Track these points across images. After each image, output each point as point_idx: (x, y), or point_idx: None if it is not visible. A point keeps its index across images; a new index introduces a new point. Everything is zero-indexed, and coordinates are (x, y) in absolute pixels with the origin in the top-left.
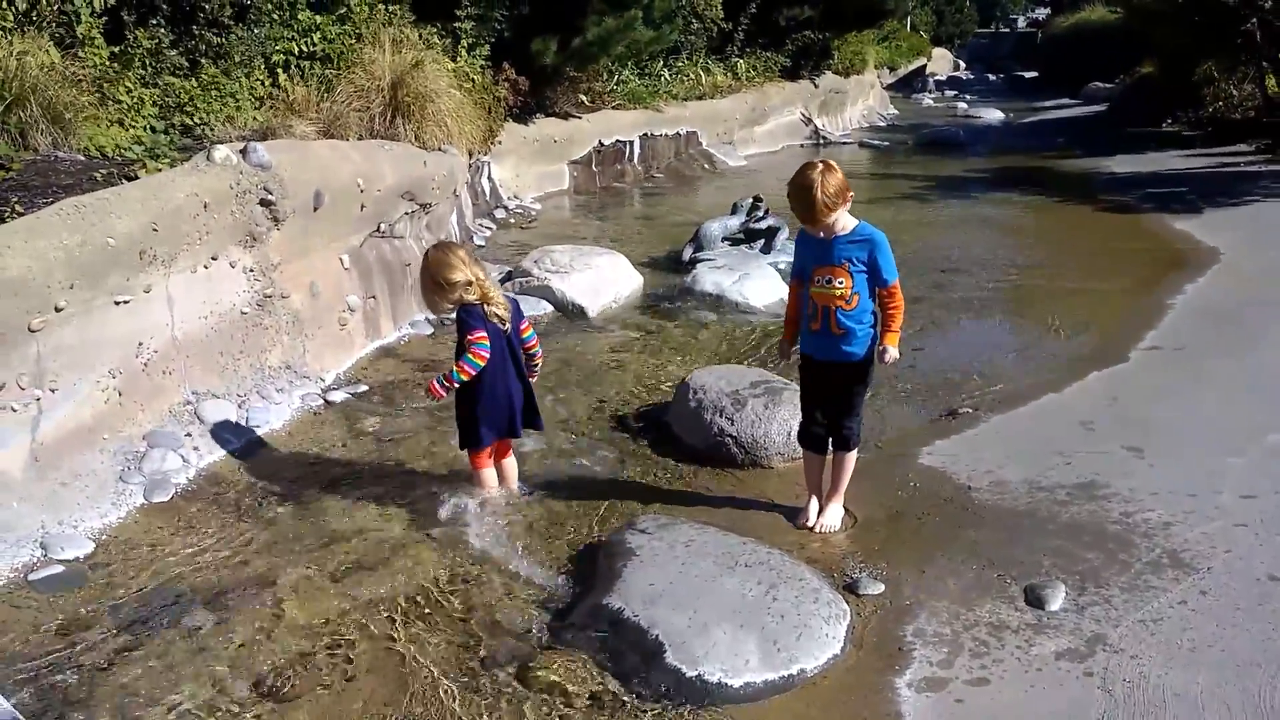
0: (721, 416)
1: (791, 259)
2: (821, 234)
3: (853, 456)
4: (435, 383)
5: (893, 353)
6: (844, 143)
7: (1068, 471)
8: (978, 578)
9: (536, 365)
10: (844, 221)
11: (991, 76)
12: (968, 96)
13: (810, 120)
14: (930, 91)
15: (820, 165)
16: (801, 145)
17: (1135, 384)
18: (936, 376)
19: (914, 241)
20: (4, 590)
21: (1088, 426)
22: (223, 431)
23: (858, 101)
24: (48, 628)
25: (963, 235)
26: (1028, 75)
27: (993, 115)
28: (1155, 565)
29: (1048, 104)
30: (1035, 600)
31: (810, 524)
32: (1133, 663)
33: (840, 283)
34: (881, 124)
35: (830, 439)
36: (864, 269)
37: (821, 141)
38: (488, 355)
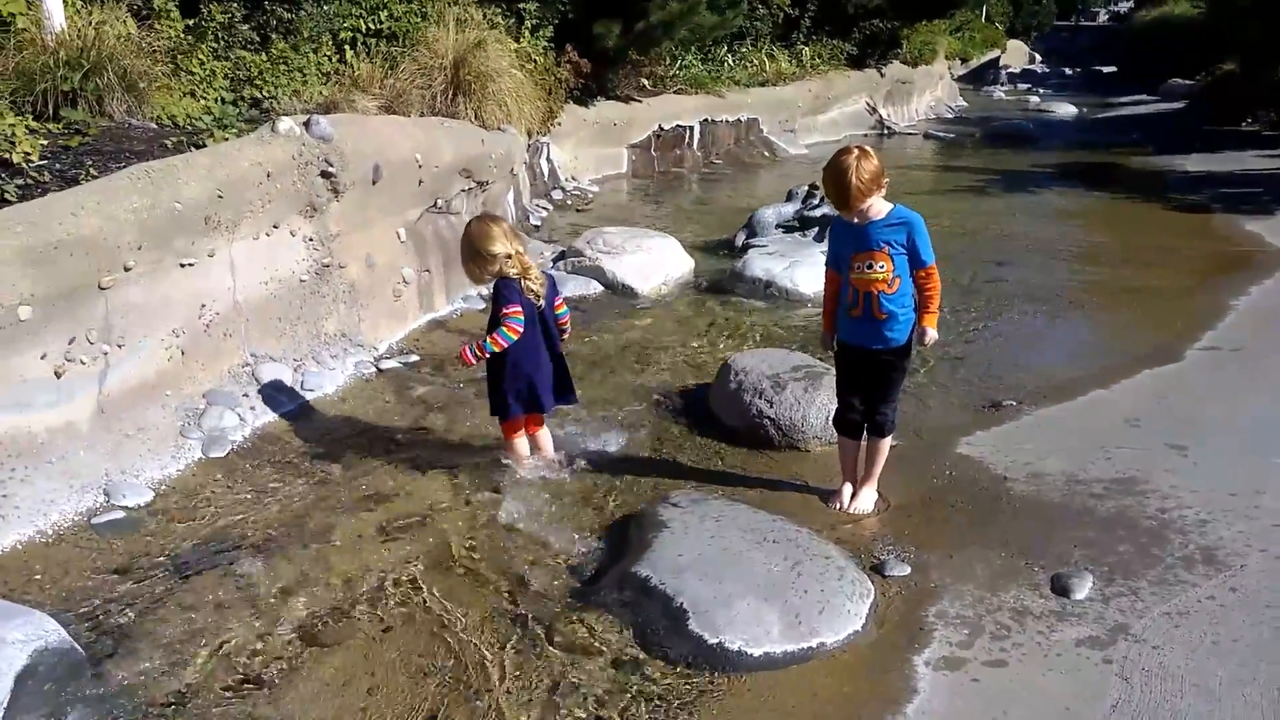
0: (761, 399)
1: None
2: (856, 220)
3: (887, 442)
4: (467, 349)
5: (931, 334)
6: (909, 133)
7: (1107, 466)
8: (1006, 565)
9: (565, 333)
10: (878, 206)
11: (1068, 70)
12: (1041, 90)
13: (875, 110)
14: (1002, 84)
15: (856, 150)
16: (865, 135)
17: (1187, 383)
18: (983, 368)
19: (972, 233)
20: (68, 531)
21: (1133, 423)
22: (278, 393)
23: (925, 92)
24: (106, 568)
25: (1023, 229)
26: (1105, 70)
27: (1066, 110)
28: (1187, 560)
29: (1124, 100)
30: (1061, 589)
31: (843, 508)
32: (1154, 653)
33: (881, 266)
34: (949, 116)
35: (865, 425)
36: (903, 251)
37: (886, 132)
38: (521, 330)
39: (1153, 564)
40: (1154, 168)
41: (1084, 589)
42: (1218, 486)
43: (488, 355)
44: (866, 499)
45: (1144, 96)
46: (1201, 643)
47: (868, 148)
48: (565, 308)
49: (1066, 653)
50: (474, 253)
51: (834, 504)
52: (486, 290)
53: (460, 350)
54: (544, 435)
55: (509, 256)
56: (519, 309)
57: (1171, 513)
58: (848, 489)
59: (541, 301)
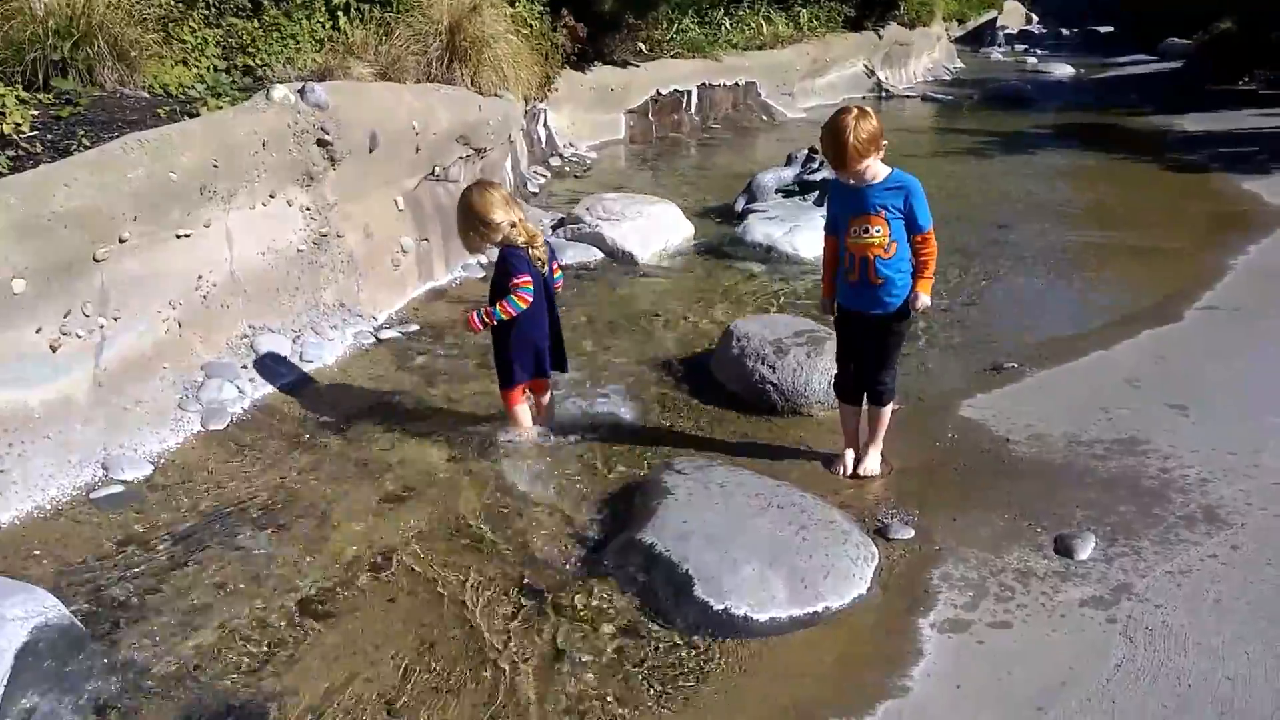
0: (763, 364)
1: None
2: (853, 181)
3: (888, 410)
4: (475, 315)
5: (924, 299)
6: (907, 96)
7: (1108, 427)
8: (1009, 527)
9: (557, 294)
10: (876, 169)
11: (1065, 31)
12: (1039, 51)
13: (873, 72)
14: (1000, 45)
15: (855, 110)
16: (863, 98)
17: (1187, 343)
18: (985, 330)
19: (972, 195)
20: (67, 506)
21: (1133, 384)
22: (277, 365)
23: (923, 54)
24: (106, 542)
25: (1023, 190)
26: (1103, 30)
27: (1063, 70)
28: (1189, 519)
29: (1122, 60)
30: (1064, 550)
31: (846, 473)
32: (1157, 612)
33: (878, 230)
34: (947, 78)
35: (865, 393)
36: (900, 216)
37: (884, 94)
38: (531, 299)
39: (1154, 523)
40: (1152, 128)
41: (1087, 549)
42: (1218, 446)
43: (495, 323)
44: (874, 461)
45: (1141, 56)
46: (1204, 601)
47: (867, 108)
48: (560, 273)
49: (1070, 613)
50: (475, 222)
51: (837, 469)
52: (485, 259)
53: (468, 317)
54: (546, 400)
55: (513, 225)
56: (529, 279)
57: (1173, 472)
58: (850, 455)
59: (545, 268)
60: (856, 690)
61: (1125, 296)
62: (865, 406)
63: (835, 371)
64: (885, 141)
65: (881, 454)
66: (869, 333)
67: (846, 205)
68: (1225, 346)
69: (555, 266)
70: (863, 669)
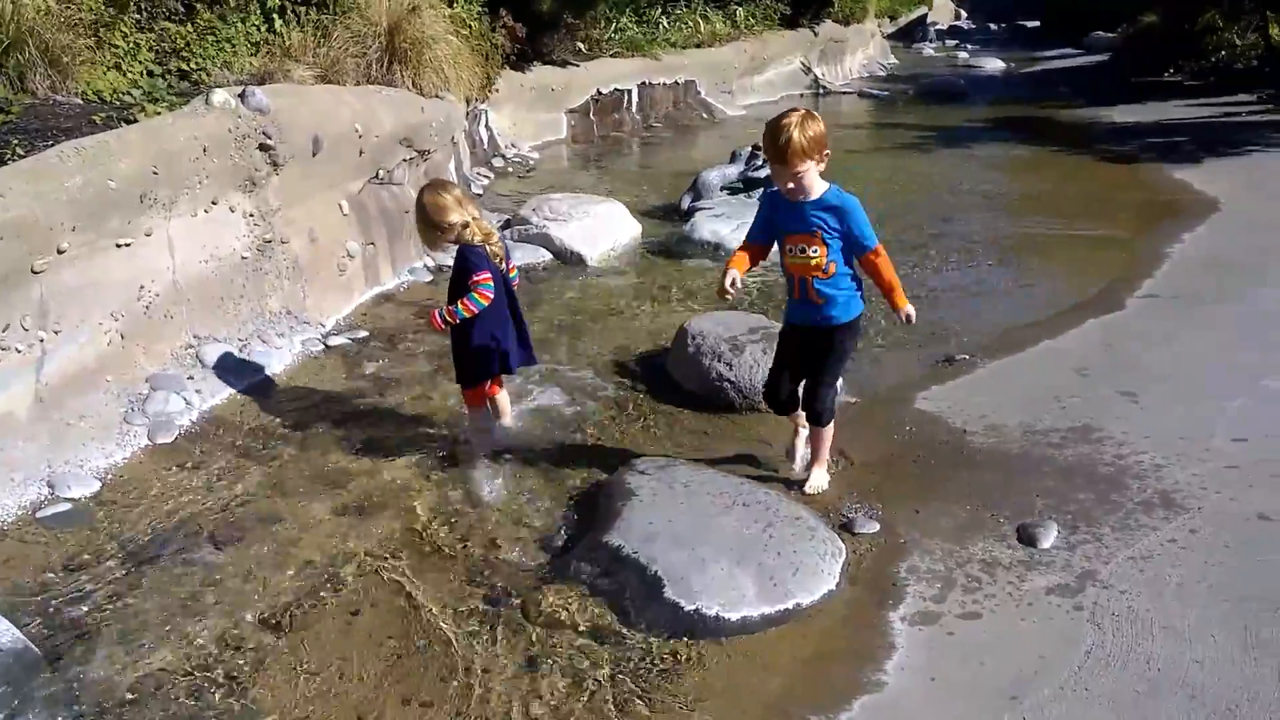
0: (720, 362)
1: None
2: (791, 186)
3: (829, 430)
4: (436, 314)
5: (910, 311)
6: (844, 92)
7: (1062, 416)
8: (971, 518)
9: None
10: (814, 181)
11: (993, 26)
12: (969, 46)
13: (810, 69)
14: (931, 41)
15: (803, 111)
16: (801, 95)
17: (1131, 331)
18: (933, 323)
19: (913, 190)
20: (13, 526)
21: (1083, 372)
22: (225, 375)
23: (858, 51)
24: (56, 563)
25: (962, 183)
26: (1030, 25)
27: (994, 65)
28: (1146, 505)
29: (1050, 54)
30: (1027, 539)
31: (797, 466)
32: (1122, 597)
33: (815, 251)
34: (881, 74)
35: (804, 413)
36: (837, 236)
37: (821, 91)
38: (491, 295)
39: (1113, 510)
40: (1082, 120)
41: (1049, 538)
42: (1169, 431)
43: (457, 321)
44: (820, 477)
45: (1068, 50)
46: (1166, 585)
47: (814, 113)
48: (516, 271)
49: (1038, 601)
50: (428, 224)
51: (788, 457)
52: (433, 261)
53: (430, 316)
54: (504, 399)
55: (466, 225)
56: (489, 275)
57: (1128, 459)
58: (801, 437)
59: (503, 264)
60: (832, 686)
61: (1068, 286)
62: (804, 426)
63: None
64: (828, 152)
65: (841, 450)
66: (813, 344)
67: (784, 220)
68: (1169, 333)
69: (510, 265)
70: (837, 665)
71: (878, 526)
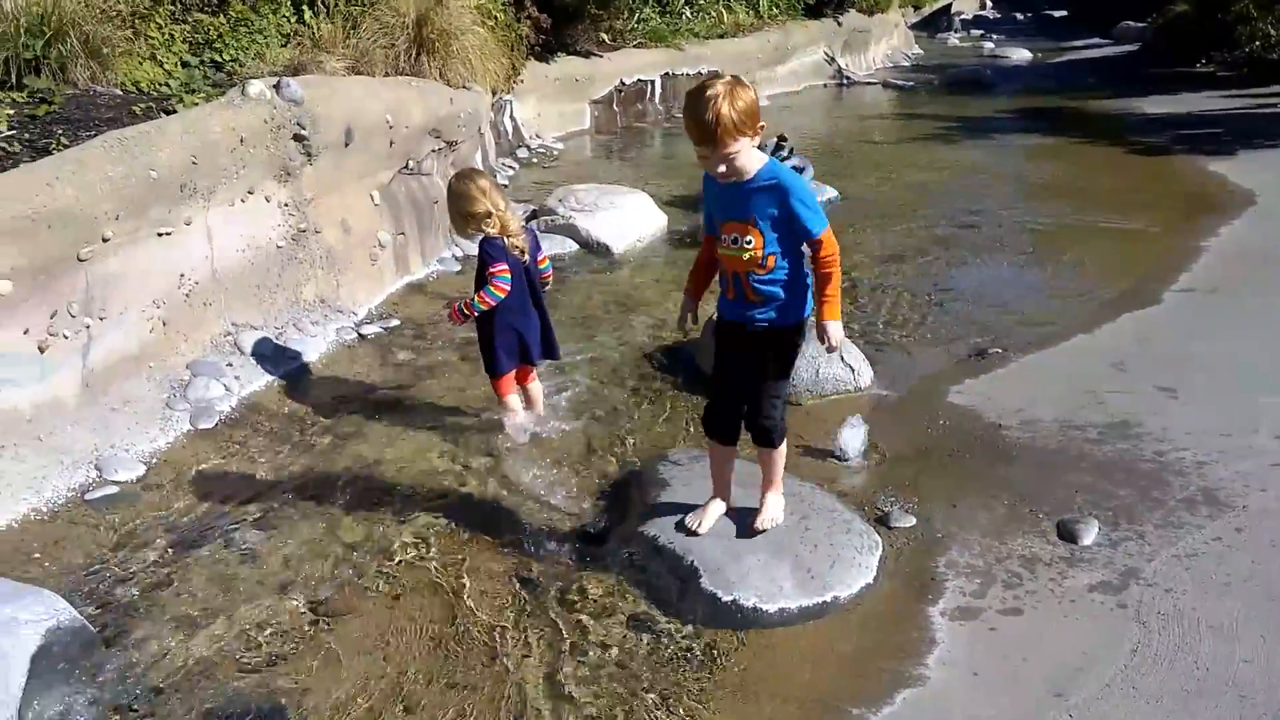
0: None
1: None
2: (722, 170)
3: (781, 452)
4: (456, 308)
5: (834, 332)
6: (868, 83)
7: (1099, 411)
8: (1009, 513)
9: (546, 286)
10: (749, 159)
11: (1019, 15)
12: (995, 36)
13: (833, 60)
14: (956, 31)
15: (730, 78)
16: (824, 85)
17: (1168, 325)
18: (965, 317)
19: (941, 182)
20: (63, 508)
21: (1119, 367)
22: (262, 362)
23: (882, 41)
24: (106, 544)
25: (990, 176)
26: (1057, 14)
27: (1020, 55)
28: (1189, 503)
29: (1077, 44)
30: (1068, 535)
31: (700, 528)
32: (1167, 596)
33: (749, 241)
34: (906, 64)
35: (749, 431)
36: (776, 221)
37: (845, 81)
38: (508, 288)
39: (1155, 507)
40: (1113, 111)
41: (1091, 534)
42: (1210, 428)
43: (476, 314)
44: (775, 506)
45: (1097, 40)
46: (1212, 584)
47: (742, 78)
48: (548, 262)
49: (1080, 599)
50: (454, 211)
51: (691, 524)
52: (460, 251)
53: (450, 309)
54: (535, 388)
55: (489, 215)
56: (506, 268)
57: (1168, 455)
58: (714, 507)
59: (526, 257)
60: (873, 680)
61: (1102, 280)
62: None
63: (821, 360)
64: (763, 125)
65: (875, 444)
66: (749, 349)
67: (718, 204)
68: (1206, 328)
69: (542, 257)
70: (877, 658)
71: (914, 520)
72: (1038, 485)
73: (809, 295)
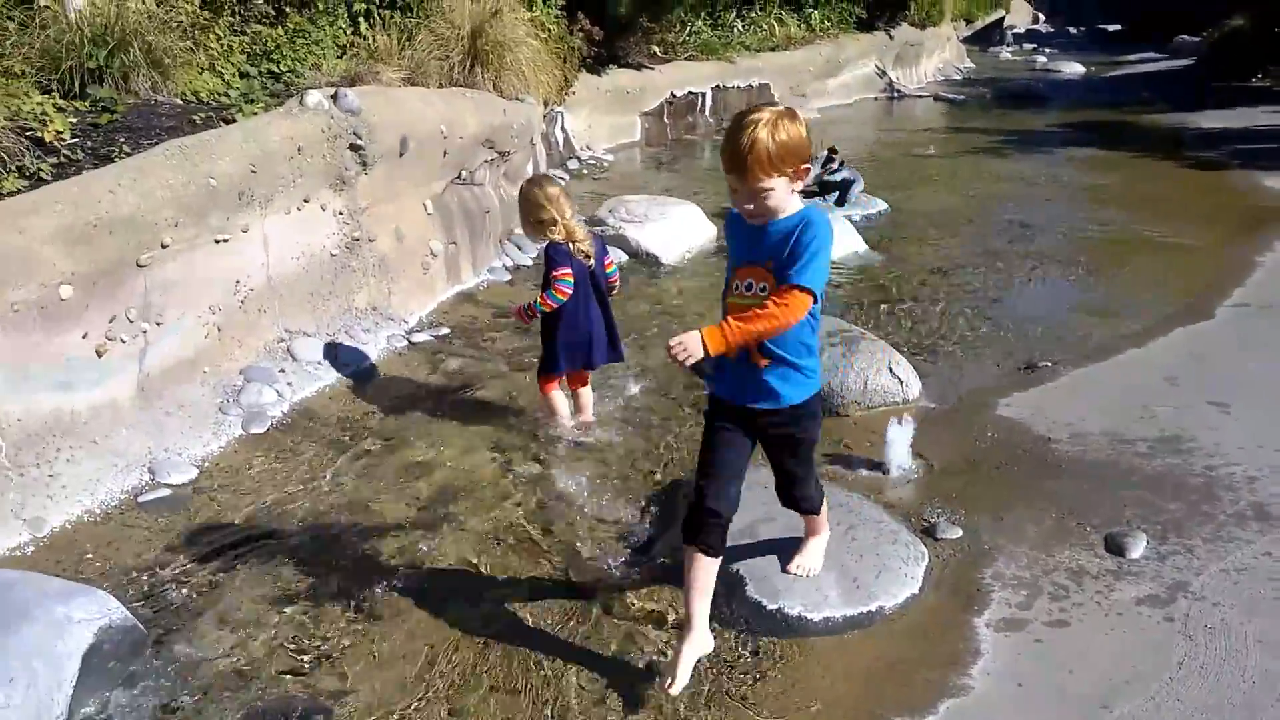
0: None
1: (867, 212)
2: (750, 208)
3: (824, 515)
4: (521, 308)
5: (692, 347)
6: (919, 96)
7: (1150, 425)
8: (1057, 526)
9: (614, 290)
10: (783, 200)
11: (1072, 29)
12: (1047, 50)
13: (885, 73)
14: (1008, 45)
15: (781, 109)
16: (875, 99)
17: (1221, 340)
18: (1014, 329)
19: (992, 195)
20: (116, 510)
21: (1171, 382)
22: (314, 368)
23: (933, 54)
24: (158, 546)
25: (1042, 189)
26: (1111, 28)
27: (1073, 69)
28: (1239, 517)
29: (1132, 58)
30: (1116, 548)
31: (673, 689)
32: (1215, 610)
33: (764, 289)
34: (957, 78)
35: (789, 505)
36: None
37: (896, 95)
38: (570, 291)
39: (1205, 521)
40: (1167, 125)
41: (1139, 548)
42: (1264, 443)
43: (538, 315)
44: (816, 554)
45: (1151, 54)
46: (1262, 599)
47: (796, 112)
48: (614, 266)
49: (1127, 612)
50: (522, 215)
51: (664, 682)
52: (511, 261)
53: (516, 309)
54: (586, 394)
55: (554, 223)
56: (569, 272)
57: (1219, 470)
58: (688, 654)
59: (591, 261)
60: (917, 689)
61: (1154, 294)
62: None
63: (871, 373)
64: (808, 167)
65: (921, 455)
66: (764, 439)
67: (739, 245)
68: (1261, 344)
69: (608, 262)
70: (921, 668)
71: (960, 532)
72: (1086, 498)
73: (818, 377)
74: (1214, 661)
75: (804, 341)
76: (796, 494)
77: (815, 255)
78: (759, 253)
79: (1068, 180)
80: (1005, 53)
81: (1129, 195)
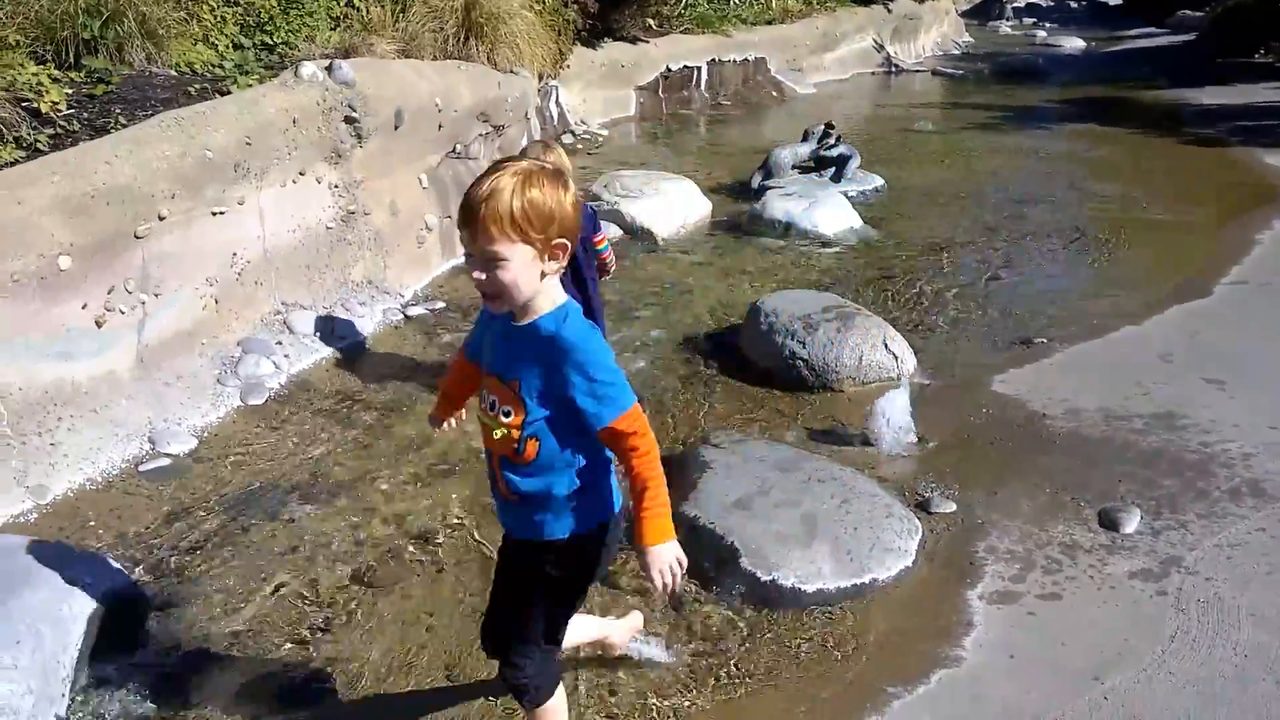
0: (793, 340)
1: (864, 188)
2: (480, 279)
3: (548, 713)
4: None
5: (662, 562)
6: (917, 71)
7: (1145, 402)
8: (1051, 500)
9: (606, 271)
10: (528, 286)
11: (1073, 3)
12: (1047, 24)
13: (882, 47)
14: (1008, 18)
15: (549, 166)
16: (872, 73)
17: (1218, 318)
18: (1010, 306)
19: (990, 171)
20: (117, 478)
21: (1166, 359)
22: (310, 341)
23: (932, 29)
24: (159, 514)
25: (1041, 165)
26: (1112, 2)
27: (1073, 44)
28: (1234, 493)
29: (1132, 33)
30: (1109, 523)
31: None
32: (1208, 584)
33: (507, 413)
34: (956, 52)
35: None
36: (546, 397)
37: (893, 69)
38: None
39: (1199, 497)
40: (1168, 101)
41: (1132, 523)
42: (1258, 420)
43: None
44: None
45: (1152, 29)
46: (1255, 574)
47: (566, 175)
48: (606, 243)
49: (1120, 585)
50: None
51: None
52: None
53: None
54: None
55: None
56: None
57: (1214, 447)
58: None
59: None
60: (909, 661)
61: (1152, 271)
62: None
63: (866, 347)
64: (563, 242)
65: (918, 432)
66: (515, 569)
67: (483, 342)
68: (1257, 321)
69: (599, 238)
70: (914, 640)
71: (954, 506)
72: (1080, 474)
73: (605, 503)
74: (1206, 635)
75: (555, 480)
76: (514, 660)
77: (590, 378)
78: (504, 363)
79: (1066, 156)
80: (1005, 27)
81: (1128, 172)
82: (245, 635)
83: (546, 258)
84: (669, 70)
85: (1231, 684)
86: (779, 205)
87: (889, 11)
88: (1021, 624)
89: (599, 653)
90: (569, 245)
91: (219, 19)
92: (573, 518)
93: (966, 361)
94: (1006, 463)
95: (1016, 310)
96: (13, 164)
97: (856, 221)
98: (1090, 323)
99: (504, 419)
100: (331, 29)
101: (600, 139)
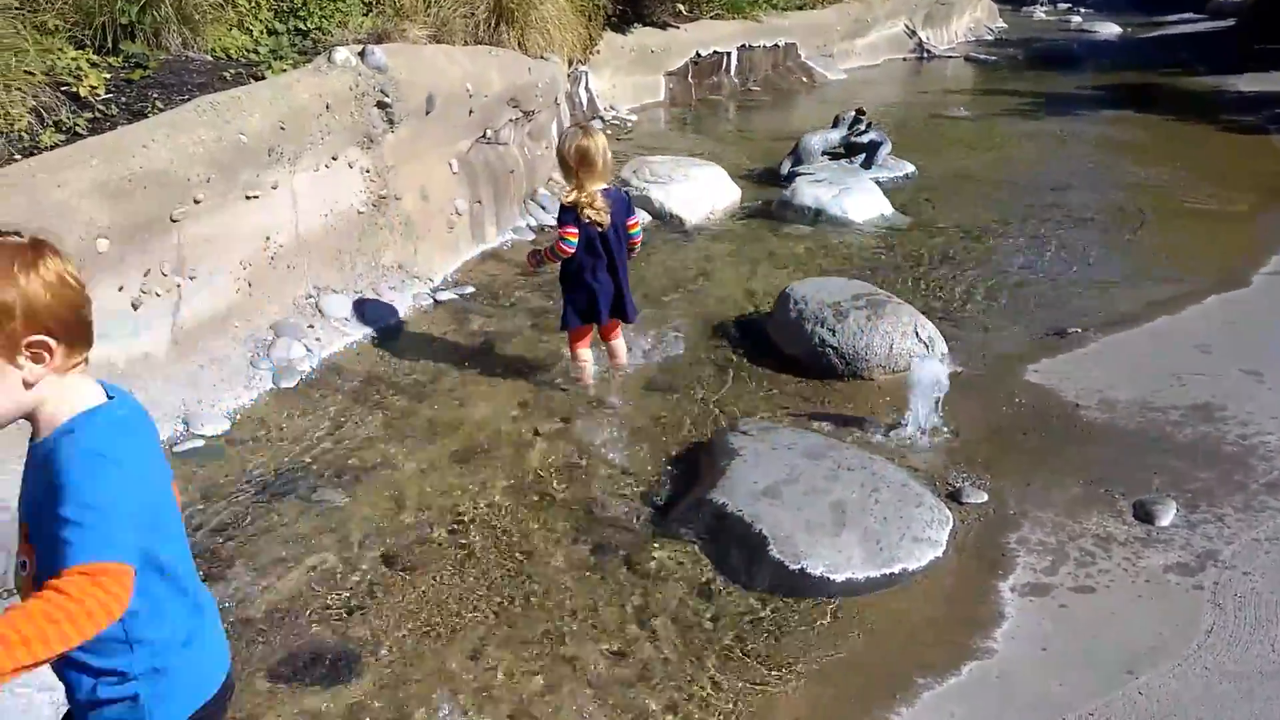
0: (823, 327)
1: (895, 175)
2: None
3: None
4: (531, 253)
5: None
6: (949, 56)
7: (1182, 393)
8: (1084, 492)
9: (633, 252)
10: (41, 405)
11: None
12: (1082, 9)
13: (914, 33)
14: (1042, 3)
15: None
16: (904, 59)
17: (1256, 308)
18: (1044, 295)
19: (1024, 158)
20: None
21: (1204, 349)
22: (342, 325)
23: (965, 14)
24: (193, 495)
25: (1076, 152)
26: None
27: (1109, 29)
28: (1272, 487)
29: (1170, 18)
30: (1144, 516)
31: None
32: (1245, 579)
33: (23, 564)
34: (989, 38)
35: None
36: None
37: (925, 55)
38: (570, 251)
39: (1236, 490)
40: (1206, 88)
41: (1168, 515)
42: None
43: (538, 263)
44: None
45: (1190, 14)
46: None
47: (23, 249)
48: (638, 228)
49: (1155, 579)
50: (559, 159)
51: None
52: (535, 220)
53: (528, 253)
54: (619, 344)
55: (572, 181)
56: (573, 231)
57: (1252, 439)
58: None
59: (603, 228)
60: (940, 651)
61: (1189, 260)
62: None
63: (896, 336)
64: (48, 346)
65: (949, 422)
66: None
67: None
68: None
69: (633, 222)
70: (945, 631)
71: (986, 497)
72: (1115, 466)
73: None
74: (1243, 631)
75: (103, 652)
76: None
77: (68, 517)
78: (21, 502)
79: (1102, 144)
80: (1039, 12)
81: (1165, 159)
82: (276, 615)
83: (20, 360)
84: (699, 56)
85: (1269, 681)
86: (809, 191)
87: None
88: (1054, 616)
89: None
90: (50, 339)
91: (254, 4)
92: (92, 685)
93: (999, 351)
94: (1040, 453)
95: (1050, 299)
96: (53, 148)
97: (887, 208)
98: (1125, 312)
99: (22, 572)
100: (364, 14)
101: (630, 124)
